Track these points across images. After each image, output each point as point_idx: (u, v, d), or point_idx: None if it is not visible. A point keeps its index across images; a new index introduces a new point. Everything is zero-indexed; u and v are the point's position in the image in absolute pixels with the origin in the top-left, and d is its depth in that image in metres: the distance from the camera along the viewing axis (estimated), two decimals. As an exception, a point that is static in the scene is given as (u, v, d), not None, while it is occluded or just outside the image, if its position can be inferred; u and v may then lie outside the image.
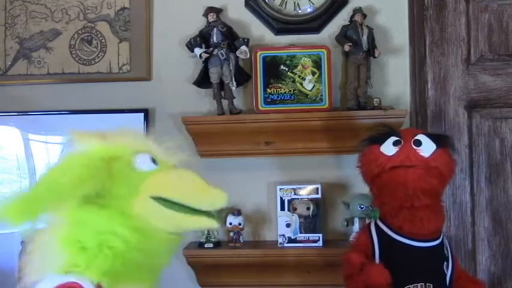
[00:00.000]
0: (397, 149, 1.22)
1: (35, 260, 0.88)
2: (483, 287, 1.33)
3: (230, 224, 1.71)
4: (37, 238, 0.90)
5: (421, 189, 1.19)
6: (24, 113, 1.88)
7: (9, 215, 0.80)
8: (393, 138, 1.23)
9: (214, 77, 1.71)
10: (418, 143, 1.21)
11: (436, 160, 1.20)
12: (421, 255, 1.21)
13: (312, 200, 1.70)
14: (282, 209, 1.71)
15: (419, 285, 1.19)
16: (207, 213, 0.91)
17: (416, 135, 1.24)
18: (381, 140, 1.25)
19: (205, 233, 1.72)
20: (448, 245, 1.28)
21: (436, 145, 1.22)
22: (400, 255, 1.21)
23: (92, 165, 0.88)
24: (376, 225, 1.27)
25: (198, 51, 1.73)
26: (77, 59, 1.88)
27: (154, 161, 0.93)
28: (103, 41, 1.88)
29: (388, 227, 1.24)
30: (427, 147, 1.21)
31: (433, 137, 1.24)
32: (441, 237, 1.25)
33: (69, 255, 0.86)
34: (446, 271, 1.24)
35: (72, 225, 0.88)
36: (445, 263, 1.24)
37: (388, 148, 1.23)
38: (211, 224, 0.92)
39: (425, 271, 1.21)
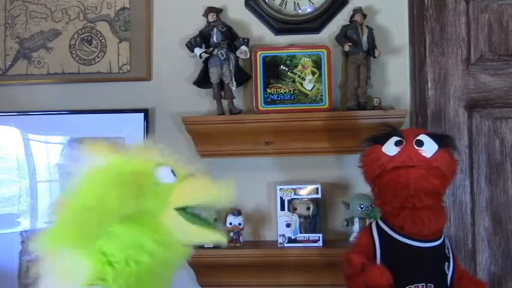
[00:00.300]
0: (398, 149, 1.22)
1: (55, 272, 0.87)
2: (485, 287, 1.33)
3: (230, 224, 1.71)
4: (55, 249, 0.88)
5: (422, 189, 1.18)
6: (24, 113, 1.88)
7: (65, 242, 0.80)
8: (395, 138, 1.23)
9: (214, 77, 1.71)
10: (420, 143, 1.21)
11: (437, 160, 1.20)
12: (422, 256, 1.21)
13: (312, 200, 1.70)
14: (282, 209, 1.70)
15: (420, 285, 1.19)
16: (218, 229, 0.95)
17: (418, 135, 1.23)
18: (383, 140, 1.25)
19: (205, 233, 1.72)
20: (449, 245, 1.28)
21: (438, 145, 1.22)
22: (401, 255, 1.21)
23: (128, 183, 0.88)
24: (377, 225, 1.27)
25: (198, 51, 1.73)
26: (77, 59, 1.88)
27: (173, 173, 0.95)
28: (103, 41, 1.88)
29: (389, 227, 1.24)
30: (429, 148, 1.21)
31: (436, 137, 1.24)
32: (442, 237, 1.25)
33: (95, 269, 0.85)
34: (447, 271, 1.24)
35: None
36: (446, 263, 1.24)
37: (390, 148, 1.23)
38: (221, 239, 0.95)
39: (426, 271, 1.21)
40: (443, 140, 1.24)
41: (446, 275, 1.24)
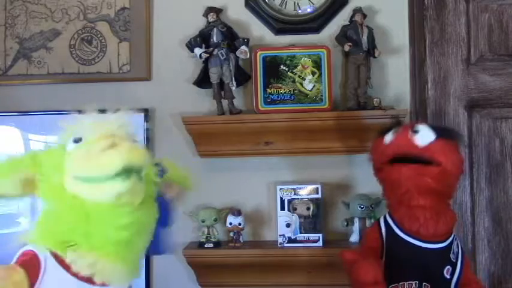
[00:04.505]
0: (393, 136, 1.22)
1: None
2: None
3: (230, 224, 1.71)
4: None
5: (415, 187, 1.16)
6: (24, 113, 1.88)
7: None
8: (395, 129, 1.24)
9: (214, 77, 1.71)
10: (416, 131, 1.19)
11: (430, 150, 1.16)
12: (419, 255, 1.19)
13: (312, 200, 1.70)
14: (282, 209, 1.70)
15: (414, 283, 1.18)
16: (121, 177, 0.91)
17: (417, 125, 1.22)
18: (388, 132, 1.26)
19: (205, 233, 1.72)
20: (458, 251, 1.24)
21: (436, 135, 1.18)
22: (399, 250, 1.20)
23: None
24: (385, 219, 1.27)
25: (198, 51, 1.73)
26: (77, 59, 1.88)
27: (76, 141, 0.98)
28: (103, 41, 1.88)
29: (393, 221, 1.24)
30: (423, 136, 1.18)
31: (435, 128, 1.21)
32: (449, 241, 1.22)
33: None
34: (447, 275, 1.21)
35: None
36: (448, 267, 1.21)
37: (388, 137, 1.23)
38: (116, 188, 0.91)
39: (422, 271, 1.19)
40: (442, 131, 1.21)
41: (447, 279, 1.22)
